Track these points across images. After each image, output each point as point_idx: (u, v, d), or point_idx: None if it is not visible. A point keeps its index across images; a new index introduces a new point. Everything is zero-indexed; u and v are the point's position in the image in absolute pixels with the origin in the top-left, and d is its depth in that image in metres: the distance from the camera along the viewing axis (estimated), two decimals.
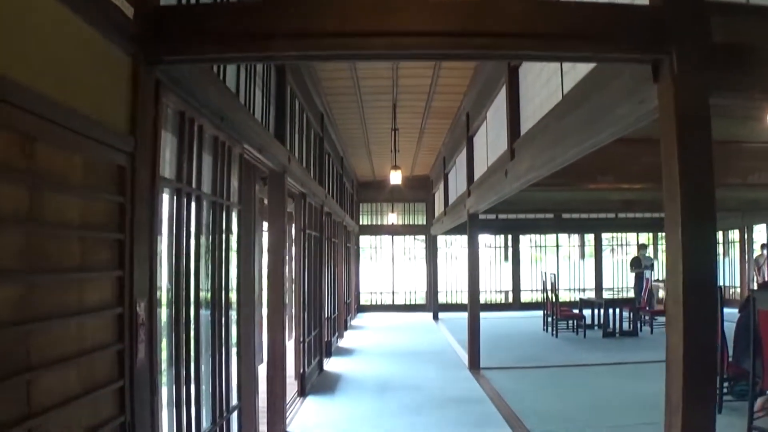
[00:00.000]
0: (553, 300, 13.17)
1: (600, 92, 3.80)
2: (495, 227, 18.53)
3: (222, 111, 4.03)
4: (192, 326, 3.57)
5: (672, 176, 2.80)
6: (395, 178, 10.51)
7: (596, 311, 13.83)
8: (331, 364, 9.92)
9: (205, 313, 3.90)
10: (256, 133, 5.01)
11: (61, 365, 2.21)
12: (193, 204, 3.58)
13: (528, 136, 5.89)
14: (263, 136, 5.27)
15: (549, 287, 13.46)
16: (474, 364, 9.24)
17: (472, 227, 9.46)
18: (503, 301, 19.70)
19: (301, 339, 7.68)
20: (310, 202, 8.35)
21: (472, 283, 9.45)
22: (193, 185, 3.58)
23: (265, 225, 7.28)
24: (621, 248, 21.30)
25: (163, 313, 3.35)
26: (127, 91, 2.78)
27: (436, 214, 16.89)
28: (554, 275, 13.45)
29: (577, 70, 4.49)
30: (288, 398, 7.17)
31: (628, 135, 4.33)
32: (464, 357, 10.22)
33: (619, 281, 20.08)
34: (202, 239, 3.80)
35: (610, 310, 12.96)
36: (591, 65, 4.15)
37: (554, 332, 13.00)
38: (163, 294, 3.33)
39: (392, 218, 19.24)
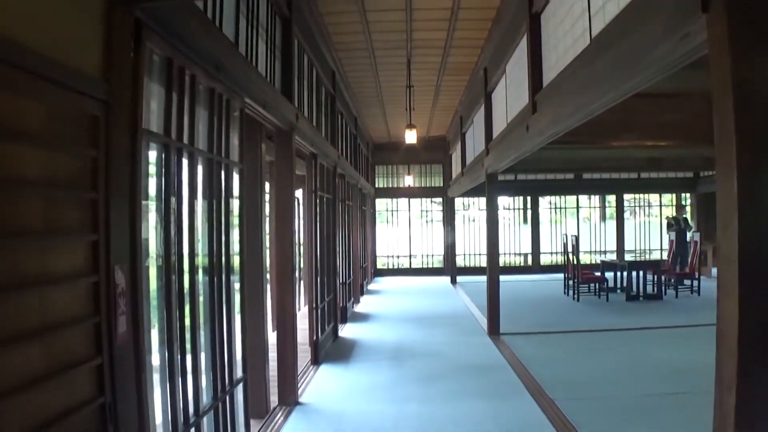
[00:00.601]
0: (575, 263, 12.81)
1: (635, 30, 3.39)
2: (514, 189, 18.15)
3: (218, 60, 3.68)
4: (188, 294, 3.28)
5: (725, 118, 2.41)
6: (410, 137, 10.13)
7: (619, 274, 13.49)
8: (346, 331, 9.69)
9: (204, 280, 3.61)
10: (259, 87, 4.66)
11: (23, 343, 1.92)
12: (185, 161, 3.26)
13: (551, 87, 5.47)
14: (267, 91, 4.92)
15: (570, 249, 13.08)
16: (494, 329, 8.95)
17: (490, 188, 9.09)
18: (522, 264, 19.38)
19: (315, 305, 7.41)
20: (321, 163, 8.01)
21: (491, 246, 9.11)
22: (185, 140, 3.25)
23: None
24: (642, 209, 20.81)
25: (155, 281, 3.06)
26: (100, 32, 2.43)
27: (453, 175, 16.50)
28: (575, 237, 13.05)
29: (607, 10, 4.07)
30: (301, 367, 6.93)
31: (652, 89, 3.97)
32: (483, 322, 9.94)
33: (641, 243, 19.63)
34: (199, 199, 3.48)
35: (633, 273, 12.58)
36: (624, 2, 3.74)
37: (576, 296, 12.66)
38: (153, 260, 3.04)
39: (408, 180, 18.87)
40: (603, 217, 20.17)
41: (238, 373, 4.12)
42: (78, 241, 2.27)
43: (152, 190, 3.01)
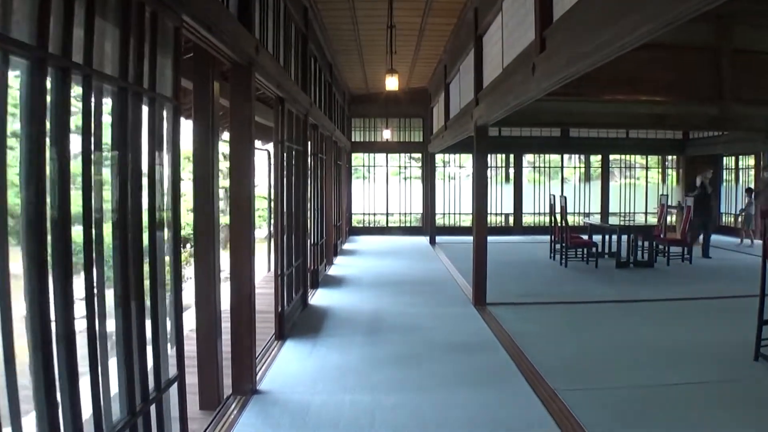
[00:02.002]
0: (563, 225, 11.98)
1: None
2: (497, 145, 17.25)
3: None
4: (85, 276, 2.34)
5: None
6: (391, 83, 9.11)
7: (607, 238, 12.74)
8: (317, 297, 8.79)
9: (112, 250, 2.67)
10: (204, 3, 3.63)
11: None
12: (76, 87, 2.28)
13: (568, 17, 4.51)
14: (216, 11, 3.88)
15: (558, 211, 12.23)
16: (479, 299, 8.11)
17: (479, 142, 8.14)
18: (503, 225, 18.58)
19: (281, 271, 6.48)
20: (290, 110, 7.00)
21: (480, 207, 8.19)
22: (80, 60, 2.27)
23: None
24: (624, 171, 20.01)
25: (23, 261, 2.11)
26: None
27: (435, 129, 15.53)
28: (564, 198, 12.19)
29: None
30: (263, 343, 6.09)
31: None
32: (467, 289, 9.13)
33: (625, 206, 18.84)
34: (104, 138, 2.52)
35: (624, 238, 11.80)
36: None
37: (563, 261, 11.88)
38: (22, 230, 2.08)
39: (387, 134, 17.86)
40: (587, 178, 19.35)
41: (170, 371, 3.19)
42: None
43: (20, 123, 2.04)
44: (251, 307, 4.86)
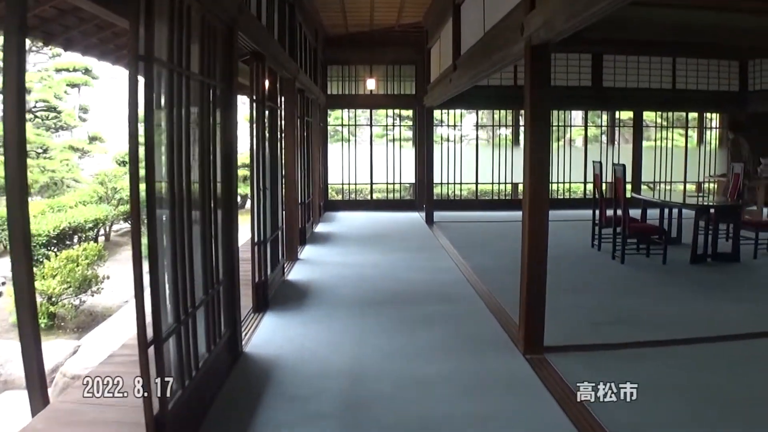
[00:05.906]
0: (614, 198, 8.58)
1: None
2: (503, 100, 14.01)
3: None
4: None
5: None
6: None
7: (666, 218, 9.42)
8: (261, 334, 5.38)
9: None
10: None
11: None
12: None
13: None
14: None
15: (611, 180, 8.86)
16: (533, 341, 4.72)
17: (537, 73, 4.67)
18: (511, 197, 15.21)
19: (155, 334, 3.07)
20: (185, 3, 3.52)
21: (536, 184, 4.74)
22: None
23: None
24: (650, 130, 16.59)
25: None
26: None
27: (434, 76, 11.99)
28: (623, 166, 8.66)
29: None
30: None
31: None
32: (494, 306, 5.96)
33: (659, 175, 15.36)
34: None
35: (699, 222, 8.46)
36: None
37: (616, 254, 8.53)
38: None
39: (371, 85, 14.39)
40: (611, 140, 15.96)
41: None
42: None
43: None
44: None
